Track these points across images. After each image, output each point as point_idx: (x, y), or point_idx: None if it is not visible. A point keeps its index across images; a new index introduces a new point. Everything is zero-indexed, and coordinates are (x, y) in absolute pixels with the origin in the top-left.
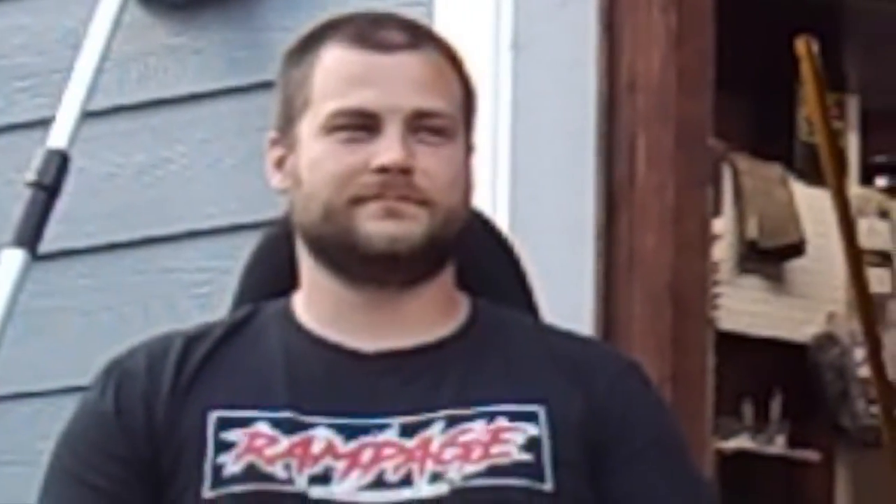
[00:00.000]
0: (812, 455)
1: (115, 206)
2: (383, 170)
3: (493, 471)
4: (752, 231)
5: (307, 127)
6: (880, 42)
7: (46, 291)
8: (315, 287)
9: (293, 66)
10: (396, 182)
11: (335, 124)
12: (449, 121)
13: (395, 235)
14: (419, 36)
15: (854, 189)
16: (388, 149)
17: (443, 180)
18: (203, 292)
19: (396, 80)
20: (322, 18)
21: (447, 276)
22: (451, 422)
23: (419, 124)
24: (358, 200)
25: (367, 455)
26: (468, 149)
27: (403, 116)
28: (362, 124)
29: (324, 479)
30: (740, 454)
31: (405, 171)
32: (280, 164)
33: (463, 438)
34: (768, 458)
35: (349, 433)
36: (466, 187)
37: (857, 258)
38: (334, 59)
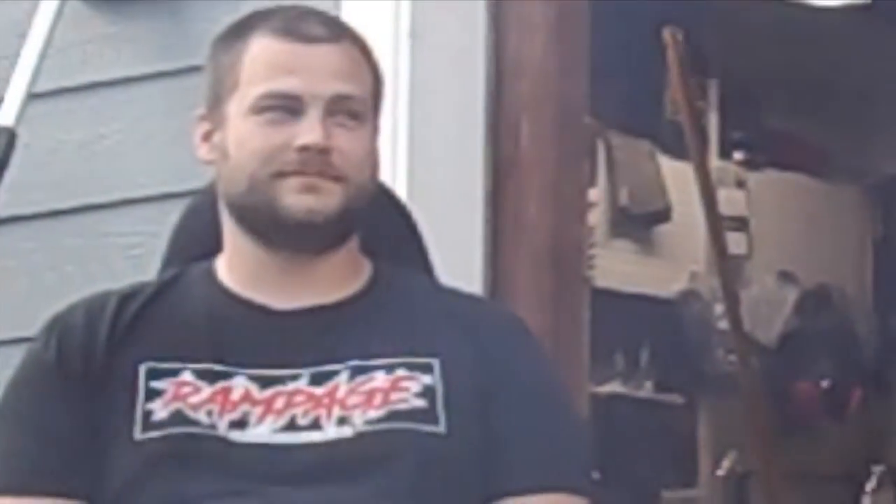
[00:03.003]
0: (677, 398)
1: (58, 177)
2: (304, 149)
3: (392, 415)
4: (624, 199)
5: (235, 107)
6: (738, 33)
7: None
8: (236, 250)
9: (222, 52)
10: (315, 160)
11: (262, 105)
12: (362, 105)
13: (313, 208)
14: (338, 30)
15: (714, 162)
16: (309, 130)
17: (355, 159)
18: (136, 254)
19: (318, 69)
20: (248, 11)
21: (353, 242)
22: (356, 372)
23: (337, 108)
24: (280, 175)
25: (280, 402)
26: (376, 129)
27: (324, 101)
28: (287, 106)
29: (242, 423)
30: (613, 397)
31: (323, 151)
32: (207, 137)
33: (366, 387)
34: (638, 401)
35: (264, 382)
36: (374, 164)
37: (716, 224)
38: (262, 47)
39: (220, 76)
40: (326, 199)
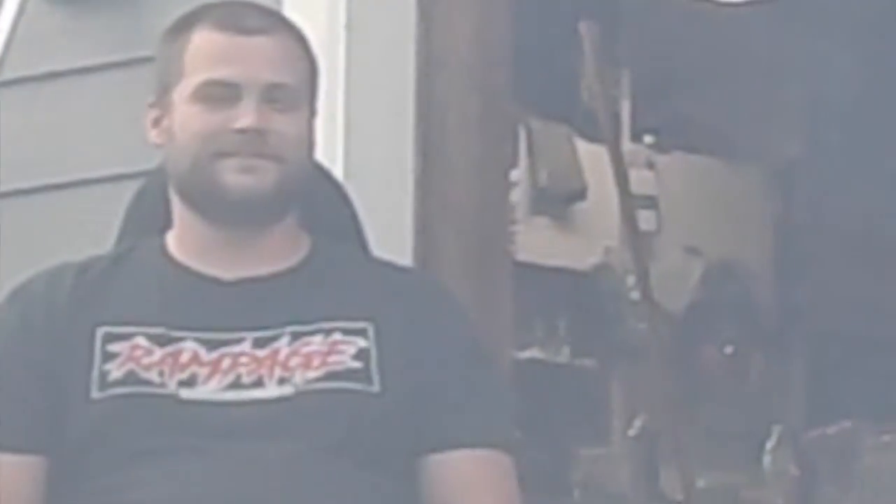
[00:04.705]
0: (591, 363)
1: (21, 159)
2: (241, 131)
3: (329, 376)
4: (543, 179)
5: (180, 94)
6: (648, 26)
7: None
8: (184, 226)
9: (169, 44)
10: (252, 141)
11: (204, 93)
12: (296, 92)
13: (250, 186)
14: (274, 22)
15: (626, 145)
16: (245, 114)
17: (291, 140)
18: (93, 229)
19: (254, 59)
20: (192, 6)
21: (292, 218)
22: (296, 336)
23: (272, 95)
24: (220, 155)
25: (226, 363)
26: (312, 113)
27: (259, 88)
28: (226, 93)
29: (190, 382)
30: (533, 362)
31: (260, 133)
32: (156, 123)
33: (305, 350)
34: (556, 366)
35: (211, 346)
36: (310, 145)
37: (628, 202)
38: (204, 39)
39: (166, 66)
40: (263, 178)
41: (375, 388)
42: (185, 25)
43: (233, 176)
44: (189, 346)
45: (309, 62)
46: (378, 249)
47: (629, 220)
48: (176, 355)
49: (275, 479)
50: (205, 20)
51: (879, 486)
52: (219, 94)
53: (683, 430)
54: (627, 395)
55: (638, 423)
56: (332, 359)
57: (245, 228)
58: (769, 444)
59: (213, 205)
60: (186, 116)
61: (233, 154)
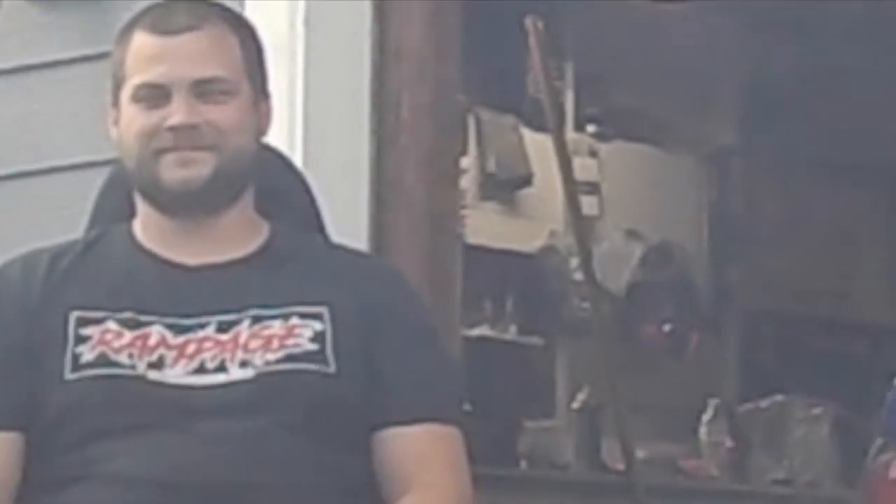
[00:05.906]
0: (537, 340)
1: None
2: (173, 129)
3: (288, 358)
4: (492, 166)
5: (124, 96)
6: (590, 21)
7: None
8: (145, 215)
9: (116, 48)
10: (186, 136)
11: (139, 95)
12: (229, 82)
13: (187, 178)
14: (204, 17)
15: (570, 134)
16: (175, 112)
17: (227, 128)
18: (66, 215)
19: (181, 58)
20: (143, 6)
21: (245, 204)
22: (256, 320)
23: (202, 89)
24: (159, 152)
25: (191, 347)
26: (265, 96)
27: (187, 85)
28: (157, 94)
29: (158, 365)
30: (482, 340)
31: (192, 127)
32: (115, 122)
33: (265, 333)
34: (503, 343)
35: (177, 330)
36: (255, 129)
37: (572, 188)
38: (138, 43)
39: (115, 70)
40: (200, 169)
41: (331, 368)
42: (127, 29)
43: (171, 171)
44: (156, 330)
45: (247, 48)
46: (335, 232)
47: (573, 205)
48: (144, 339)
49: (238, 454)
50: (140, 24)
51: (809, 456)
52: (151, 95)
53: (624, 404)
54: (571, 371)
55: (581, 396)
56: (290, 342)
57: (196, 217)
58: (705, 417)
59: (159, 198)
60: (128, 118)
61: (170, 150)
